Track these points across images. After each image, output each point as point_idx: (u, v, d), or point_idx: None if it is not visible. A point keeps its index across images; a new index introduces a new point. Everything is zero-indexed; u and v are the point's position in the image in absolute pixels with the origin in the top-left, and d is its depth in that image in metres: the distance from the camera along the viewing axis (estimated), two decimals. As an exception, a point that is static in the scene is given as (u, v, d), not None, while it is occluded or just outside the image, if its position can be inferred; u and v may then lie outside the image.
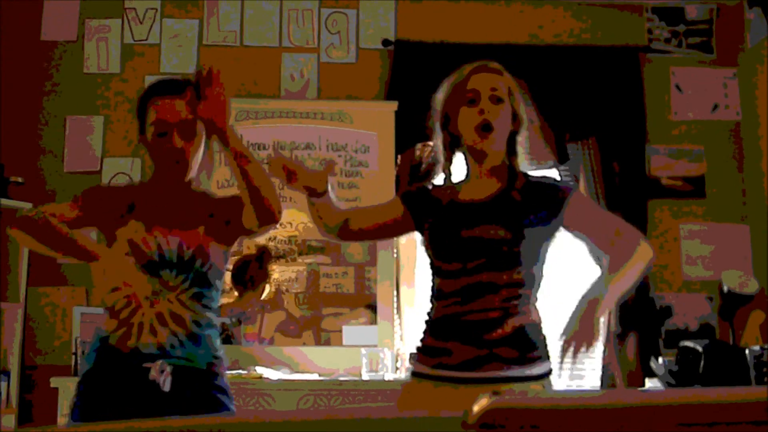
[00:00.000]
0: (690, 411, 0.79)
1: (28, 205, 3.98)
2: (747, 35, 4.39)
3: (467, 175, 2.11)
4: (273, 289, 4.12)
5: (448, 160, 2.11)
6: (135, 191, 2.14)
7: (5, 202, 3.90)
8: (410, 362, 2.08)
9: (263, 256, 4.04)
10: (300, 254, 4.14)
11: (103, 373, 1.98)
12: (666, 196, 4.35)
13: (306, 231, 4.10)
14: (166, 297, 1.97)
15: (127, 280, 1.94)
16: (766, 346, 3.62)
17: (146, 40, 4.38)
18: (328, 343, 4.09)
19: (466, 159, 2.11)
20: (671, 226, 4.32)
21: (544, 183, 2.09)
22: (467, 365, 1.91)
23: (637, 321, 4.13)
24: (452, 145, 2.10)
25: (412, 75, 4.25)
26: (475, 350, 1.91)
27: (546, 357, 1.99)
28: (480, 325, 1.92)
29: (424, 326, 2.06)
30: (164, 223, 2.03)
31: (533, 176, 2.11)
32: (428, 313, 2.06)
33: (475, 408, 0.78)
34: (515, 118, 2.06)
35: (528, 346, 1.94)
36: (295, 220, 4.13)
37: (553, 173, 4.28)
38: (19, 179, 4.04)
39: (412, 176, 4.22)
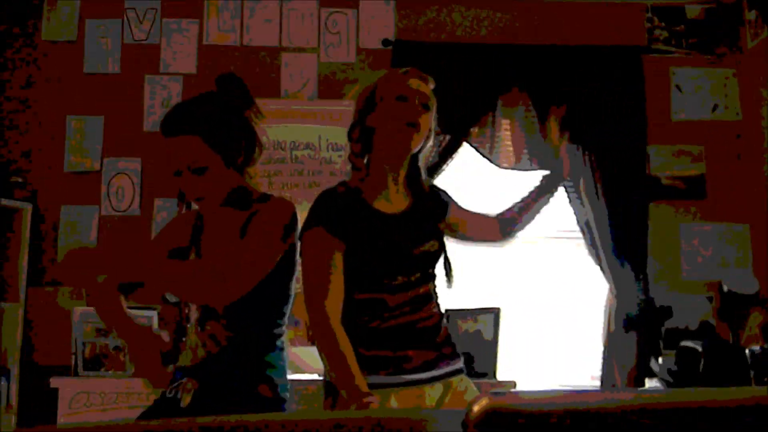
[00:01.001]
0: (690, 411, 0.79)
1: (28, 206, 3.99)
2: (747, 35, 4.38)
3: (376, 179, 2.09)
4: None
5: (360, 155, 2.13)
6: (196, 216, 2.17)
7: (5, 202, 3.90)
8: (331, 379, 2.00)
9: None
10: (300, 255, 4.13)
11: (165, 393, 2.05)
12: (666, 196, 4.34)
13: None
14: (211, 319, 1.99)
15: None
16: (766, 346, 3.62)
17: (146, 40, 4.38)
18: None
19: (376, 161, 2.10)
20: (671, 226, 4.32)
21: (432, 195, 2.20)
22: (426, 366, 2.02)
23: (636, 321, 4.13)
24: (363, 140, 2.11)
25: (412, 75, 4.25)
26: (431, 353, 2.03)
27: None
28: (431, 330, 2.06)
29: (362, 340, 1.96)
30: (207, 248, 2.06)
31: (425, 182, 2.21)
32: (361, 327, 1.98)
33: (475, 408, 0.78)
34: (429, 134, 2.11)
35: (453, 343, 2.12)
36: (295, 220, 4.13)
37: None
38: (19, 179, 4.04)
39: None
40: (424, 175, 2.16)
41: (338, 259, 1.96)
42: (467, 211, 2.24)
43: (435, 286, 2.12)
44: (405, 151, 2.06)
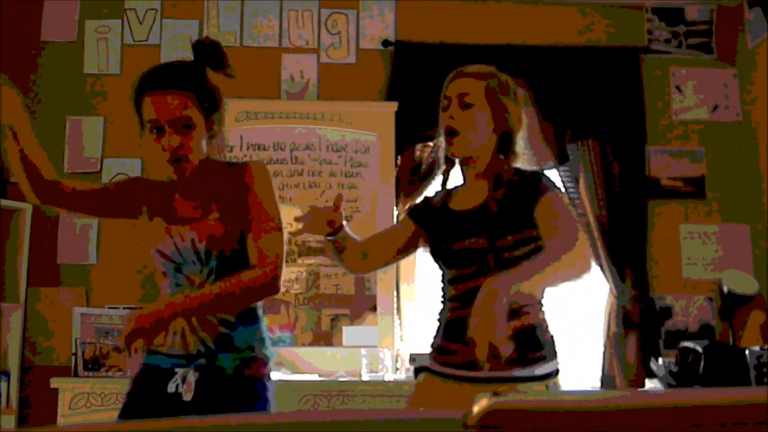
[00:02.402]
0: (690, 412, 0.79)
1: (28, 206, 3.99)
2: (747, 35, 4.39)
3: (463, 182, 2.17)
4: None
5: (447, 165, 2.17)
6: (153, 187, 2.10)
7: (5, 202, 3.90)
8: (411, 363, 2.14)
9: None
10: (300, 255, 4.14)
11: (144, 377, 2.00)
12: (666, 197, 4.35)
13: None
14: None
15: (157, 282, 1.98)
16: (766, 347, 3.62)
17: (146, 40, 4.38)
18: (328, 343, 4.09)
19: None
20: (671, 227, 4.32)
21: (523, 184, 2.04)
22: (470, 366, 1.91)
23: (637, 321, 4.14)
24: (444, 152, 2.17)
25: (412, 76, 4.25)
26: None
27: (551, 357, 2.01)
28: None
29: (437, 326, 2.13)
30: (179, 218, 2.00)
31: (519, 175, 2.07)
32: (440, 314, 2.13)
33: (475, 409, 0.78)
34: (500, 119, 2.06)
35: (530, 346, 1.96)
36: (295, 221, 4.13)
37: (554, 174, 4.29)
38: (19, 179, 4.04)
39: (412, 177, 4.22)
40: (517, 162, 2.10)
41: (404, 227, 2.24)
42: (548, 222, 1.96)
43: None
44: (453, 156, 2.10)
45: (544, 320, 2.04)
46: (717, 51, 4.49)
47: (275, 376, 3.75)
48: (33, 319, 4.02)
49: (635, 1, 4.49)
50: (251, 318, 2.00)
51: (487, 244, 1.98)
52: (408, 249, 2.25)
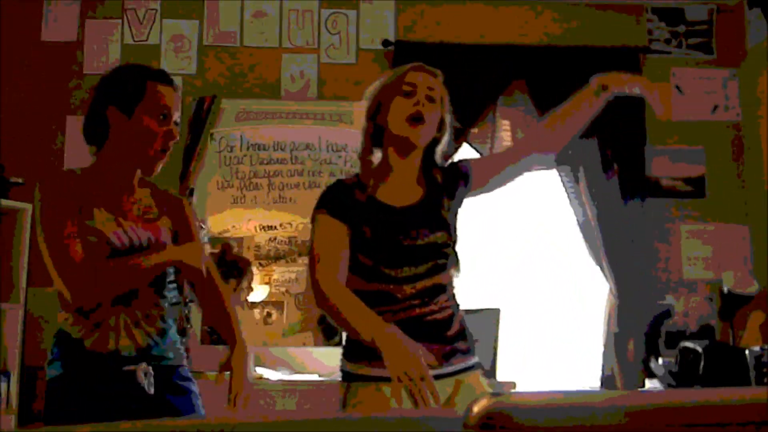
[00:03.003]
0: (690, 412, 0.79)
1: (28, 206, 3.99)
2: (747, 36, 4.39)
3: (383, 172, 2.09)
4: (273, 289, 4.12)
5: (368, 152, 2.11)
6: (91, 176, 2.05)
7: (5, 202, 3.90)
8: (346, 366, 2.03)
9: (225, 253, 4.03)
10: (300, 255, 4.14)
11: (80, 377, 1.94)
12: (666, 196, 4.35)
13: (306, 232, 4.09)
14: (135, 297, 1.96)
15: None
16: (766, 347, 3.62)
17: (146, 40, 4.38)
18: (328, 343, 4.09)
19: (385, 156, 2.10)
20: (671, 227, 4.32)
21: (447, 171, 2.14)
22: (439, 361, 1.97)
23: (637, 322, 4.14)
24: (375, 137, 2.11)
25: (412, 75, 4.25)
26: (441, 347, 1.98)
27: (473, 349, 2.12)
28: (442, 323, 2.02)
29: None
30: (133, 215, 2.02)
31: (439, 169, 2.14)
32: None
33: (476, 408, 0.78)
34: (441, 125, 2.10)
35: (469, 338, 2.08)
36: (294, 221, 4.13)
37: (553, 175, 4.29)
38: (19, 179, 4.04)
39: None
40: (440, 166, 2.15)
41: (343, 236, 2.00)
42: (491, 157, 2.19)
43: (451, 279, 2.07)
44: (412, 145, 2.06)
45: (460, 312, 2.10)
46: (717, 51, 4.49)
47: (275, 375, 3.76)
48: (33, 319, 4.02)
49: (635, 1, 4.49)
50: (172, 318, 2.08)
51: (448, 239, 2.04)
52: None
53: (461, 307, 2.10)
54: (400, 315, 1.99)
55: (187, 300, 3.65)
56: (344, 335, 2.11)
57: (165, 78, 2.03)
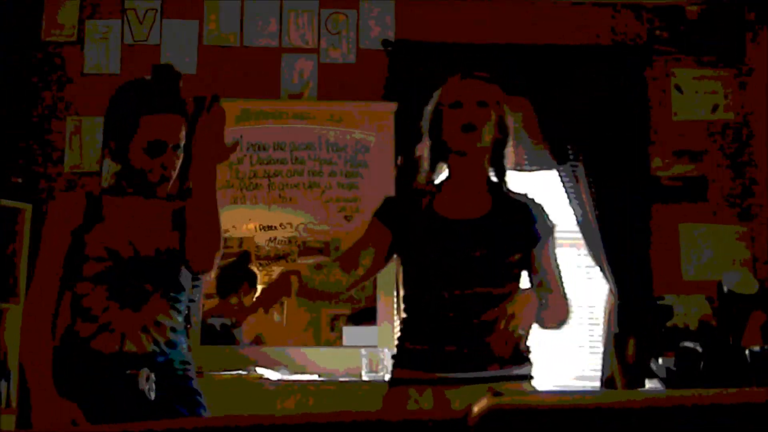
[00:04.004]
0: (690, 412, 0.79)
1: (28, 206, 3.99)
2: (747, 35, 4.38)
3: (447, 183, 2.13)
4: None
5: (431, 168, 2.15)
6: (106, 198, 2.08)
7: (5, 202, 3.90)
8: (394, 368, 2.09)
9: (244, 259, 4.04)
10: (300, 255, 4.14)
11: (86, 378, 1.97)
12: (666, 197, 4.34)
13: (305, 232, 4.10)
14: (146, 302, 1.97)
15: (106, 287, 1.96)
16: (766, 347, 3.62)
17: (146, 40, 4.38)
18: (328, 343, 4.09)
19: (449, 168, 2.14)
20: (671, 227, 4.32)
21: (530, 210, 2.11)
22: (472, 366, 1.97)
23: (636, 321, 4.13)
24: (436, 152, 2.13)
25: (412, 75, 4.25)
26: (477, 352, 1.96)
27: (528, 360, 2.08)
28: (480, 328, 1.94)
29: (407, 332, 2.11)
30: (142, 226, 2.01)
31: (517, 196, 2.13)
32: (410, 321, 2.11)
33: (475, 409, 0.78)
34: (501, 127, 2.09)
35: (520, 347, 2.01)
36: (294, 221, 4.13)
37: (553, 175, 4.29)
38: (19, 180, 4.04)
39: (413, 177, 4.21)
40: (507, 179, 2.13)
41: (374, 236, 2.12)
42: (551, 265, 2.12)
43: (505, 293, 1.98)
44: (466, 155, 2.07)
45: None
46: (717, 51, 4.49)
47: (275, 375, 3.76)
48: (33, 319, 4.01)
49: (635, 1, 4.49)
50: (186, 328, 2.07)
51: (495, 257, 2.01)
52: (386, 258, 2.16)
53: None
54: (436, 318, 2.02)
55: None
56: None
57: (161, 106, 1.98)
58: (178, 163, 2.00)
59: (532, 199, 2.14)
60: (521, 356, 2.03)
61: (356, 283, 2.15)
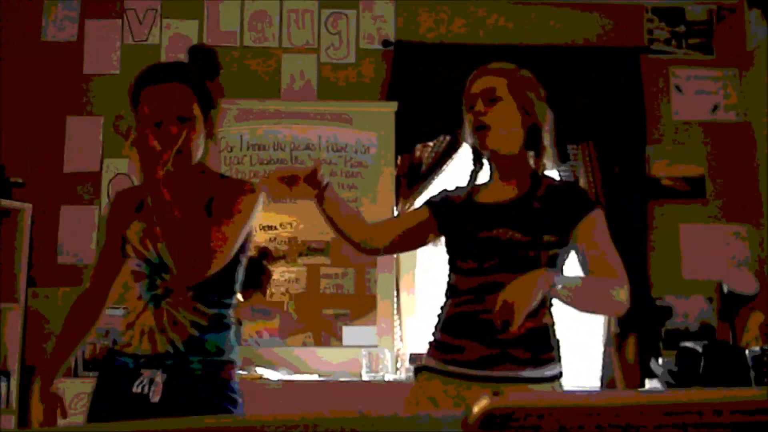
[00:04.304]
0: (690, 412, 0.79)
1: (28, 206, 3.99)
2: (747, 36, 4.38)
3: (489, 179, 2.14)
4: (272, 290, 4.12)
5: (476, 167, 2.16)
6: (136, 194, 2.04)
7: (5, 202, 3.90)
8: (411, 363, 2.11)
9: (264, 256, 4.04)
10: (300, 255, 4.14)
11: (107, 378, 1.98)
12: (666, 197, 4.34)
13: (306, 232, 4.10)
14: (167, 299, 1.91)
15: (131, 284, 1.94)
16: (766, 347, 3.62)
17: (146, 40, 4.38)
18: (328, 343, 4.09)
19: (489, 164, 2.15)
20: (671, 227, 4.32)
21: (568, 191, 2.08)
22: (479, 363, 1.92)
23: (636, 321, 4.13)
24: (475, 154, 2.16)
25: (412, 75, 4.25)
26: (487, 349, 1.91)
27: (558, 359, 2.00)
28: (494, 324, 1.86)
29: (437, 322, 2.07)
30: (157, 219, 1.89)
31: (557, 181, 2.12)
32: (441, 309, 2.07)
33: (475, 408, 0.78)
34: (527, 113, 2.06)
35: (541, 347, 1.96)
36: (294, 221, 4.13)
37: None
38: (19, 180, 4.04)
39: (412, 177, 4.22)
40: (549, 162, 2.11)
41: (415, 216, 2.19)
42: (594, 242, 1.99)
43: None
44: (486, 152, 2.08)
45: (553, 323, 2.02)
46: (717, 51, 4.49)
47: (275, 375, 3.76)
48: (33, 319, 4.02)
49: (635, 1, 4.49)
50: (223, 326, 1.96)
51: (523, 237, 1.93)
52: (416, 236, 2.14)
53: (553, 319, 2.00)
54: (455, 309, 2.01)
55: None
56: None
57: (154, 77, 1.91)
58: (192, 134, 1.89)
59: (573, 182, 2.13)
60: (550, 357, 1.97)
61: (375, 250, 2.21)
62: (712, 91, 4.45)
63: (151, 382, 1.89)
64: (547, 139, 2.11)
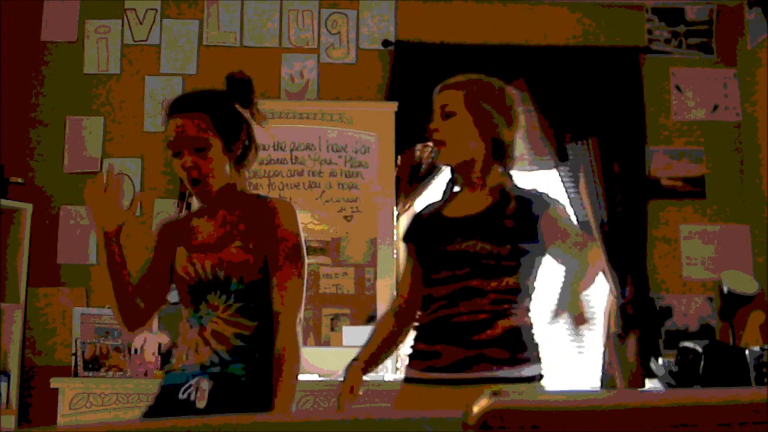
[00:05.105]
0: (690, 412, 0.79)
1: (28, 206, 3.99)
2: (747, 35, 4.38)
3: (460, 190, 2.16)
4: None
5: (451, 183, 2.19)
6: (189, 217, 2.19)
7: (5, 202, 3.90)
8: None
9: None
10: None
11: (158, 395, 2.04)
12: (666, 197, 4.35)
13: (306, 232, 4.09)
14: (211, 318, 1.98)
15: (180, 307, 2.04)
16: (766, 347, 3.62)
17: (146, 40, 4.38)
18: (327, 343, 4.09)
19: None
20: (671, 227, 4.32)
21: (531, 199, 2.04)
22: (456, 366, 1.93)
23: (637, 321, 4.14)
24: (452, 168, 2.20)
25: (412, 76, 4.25)
26: (463, 351, 1.93)
27: (537, 360, 1.99)
28: (469, 326, 1.94)
29: (413, 333, 2.12)
30: (200, 246, 2.04)
31: (525, 191, 2.07)
32: (417, 322, 2.12)
33: (475, 409, 0.78)
34: (485, 126, 2.04)
35: (518, 347, 1.95)
36: (295, 220, 4.13)
37: (554, 174, 4.29)
38: (19, 180, 4.04)
39: (412, 177, 4.22)
40: (508, 175, 2.08)
41: (406, 256, 2.22)
42: (561, 228, 1.99)
43: (510, 287, 1.96)
44: (440, 164, 2.18)
45: (530, 324, 2.01)
46: (717, 51, 4.49)
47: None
48: (33, 319, 4.02)
49: (635, 1, 4.49)
50: (266, 336, 2.01)
51: (493, 248, 1.95)
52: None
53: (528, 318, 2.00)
54: (428, 317, 2.04)
55: None
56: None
57: (175, 108, 2.03)
58: (212, 163, 2.00)
59: (538, 193, 2.08)
60: (527, 357, 1.95)
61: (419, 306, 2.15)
62: (712, 91, 4.45)
63: (197, 389, 1.94)
64: (517, 149, 2.11)
